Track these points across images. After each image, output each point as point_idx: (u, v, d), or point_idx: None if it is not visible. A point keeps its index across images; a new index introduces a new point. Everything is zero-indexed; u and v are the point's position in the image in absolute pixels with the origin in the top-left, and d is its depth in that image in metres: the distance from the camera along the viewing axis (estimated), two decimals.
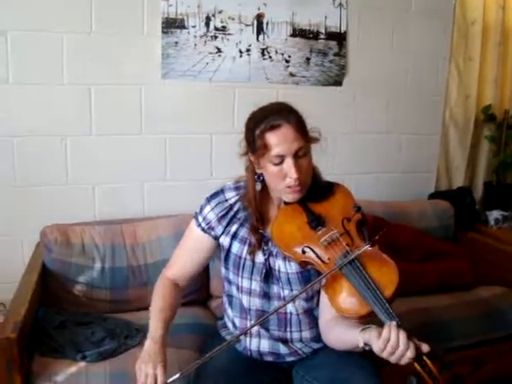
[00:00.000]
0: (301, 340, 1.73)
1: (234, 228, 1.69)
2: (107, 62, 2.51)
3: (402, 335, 1.28)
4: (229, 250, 1.70)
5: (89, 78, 2.49)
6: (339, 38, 2.90)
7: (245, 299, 1.71)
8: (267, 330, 1.72)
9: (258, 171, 1.61)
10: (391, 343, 1.27)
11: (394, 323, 1.32)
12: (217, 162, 2.77)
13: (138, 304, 2.32)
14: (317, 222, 1.57)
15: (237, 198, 1.69)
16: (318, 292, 1.66)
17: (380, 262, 1.45)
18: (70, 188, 2.54)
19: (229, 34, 2.69)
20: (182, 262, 1.77)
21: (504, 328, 2.52)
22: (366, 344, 1.35)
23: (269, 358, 1.75)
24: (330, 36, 2.88)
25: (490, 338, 2.48)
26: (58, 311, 2.16)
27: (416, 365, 1.27)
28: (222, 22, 2.66)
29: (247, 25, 2.71)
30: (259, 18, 2.72)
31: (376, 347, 1.31)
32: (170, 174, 2.71)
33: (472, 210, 3.21)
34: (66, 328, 2.05)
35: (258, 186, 1.62)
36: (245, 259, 1.67)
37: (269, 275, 1.66)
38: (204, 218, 1.71)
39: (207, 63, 2.67)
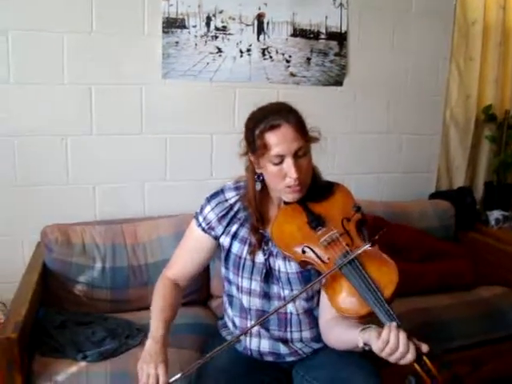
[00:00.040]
0: (301, 340, 1.73)
1: (234, 228, 1.69)
2: (108, 61, 2.51)
3: (402, 336, 1.28)
4: (229, 250, 1.70)
5: (89, 78, 2.49)
6: (340, 38, 2.90)
7: (245, 299, 1.71)
8: (267, 329, 1.72)
9: (258, 171, 1.61)
10: (391, 345, 1.27)
11: (394, 324, 1.31)
12: (217, 162, 2.77)
13: (138, 304, 2.32)
14: (317, 221, 1.57)
15: (237, 197, 1.69)
16: (318, 292, 1.66)
17: (380, 261, 1.45)
18: (70, 188, 2.55)
19: (229, 34, 2.69)
20: (183, 262, 1.77)
21: (504, 328, 2.52)
22: (365, 344, 1.35)
23: (269, 358, 1.75)
24: (331, 36, 2.88)
25: (491, 338, 2.48)
26: (58, 311, 2.16)
27: (415, 364, 1.27)
28: (222, 21, 2.66)
29: (248, 25, 2.71)
30: (260, 17, 2.72)
31: (375, 347, 1.31)
32: (170, 174, 2.71)
33: (472, 210, 3.21)
34: (66, 328, 2.05)
35: (258, 186, 1.62)
36: (245, 259, 1.67)
37: (269, 275, 1.66)
38: (204, 218, 1.71)
39: (208, 63, 2.67)
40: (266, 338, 1.73)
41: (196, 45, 2.64)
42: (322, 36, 2.86)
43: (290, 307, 1.68)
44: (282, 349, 1.73)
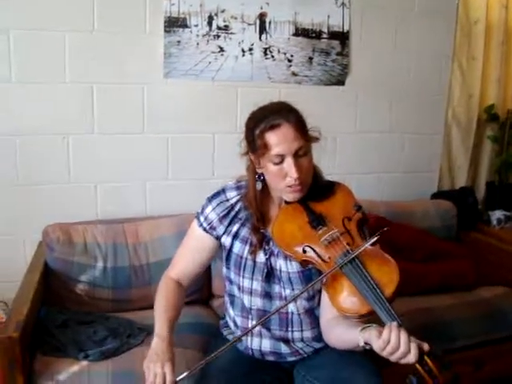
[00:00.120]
0: (302, 340, 1.73)
1: (235, 228, 1.69)
2: (109, 60, 2.51)
3: (403, 336, 1.28)
4: (230, 250, 1.70)
5: (91, 77, 2.49)
6: (342, 37, 2.90)
7: (246, 299, 1.71)
8: (269, 329, 1.72)
9: (259, 171, 1.61)
10: (391, 344, 1.27)
11: (394, 323, 1.31)
12: (219, 162, 2.77)
13: (140, 303, 2.33)
14: (317, 221, 1.57)
15: (238, 197, 1.69)
16: (319, 291, 1.65)
17: (381, 261, 1.45)
18: (72, 187, 2.55)
19: (231, 34, 2.69)
20: (185, 262, 1.77)
21: (506, 328, 2.51)
22: (366, 343, 1.35)
23: (270, 358, 1.75)
24: (333, 35, 2.88)
25: (492, 339, 2.48)
26: (60, 310, 2.16)
27: (416, 364, 1.27)
28: (224, 21, 2.66)
29: (250, 24, 2.71)
30: (262, 17, 2.72)
31: (376, 346, 1.30)
32: (172, 173, 2.71)
33: (474, 210, 3.21)
34: (68, 327, 2.05)
35: (259, 186, 1.62)
36: (246, 259, 1.67)
37: (270, 275, 1.66)
38: (205, 218, 1.71)
39: (209, 62, 2.67)
40: (267, 337, 1.73)
41: (198, 44, 2.64)
42: (324, 35, 2.86)
43: (291, 307, 1.68)
44: (284, 348, 1.73)
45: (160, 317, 1.62)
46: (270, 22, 2.74)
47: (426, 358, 1.27)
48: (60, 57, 2.43)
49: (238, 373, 1.67)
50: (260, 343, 1.74)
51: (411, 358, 1.27)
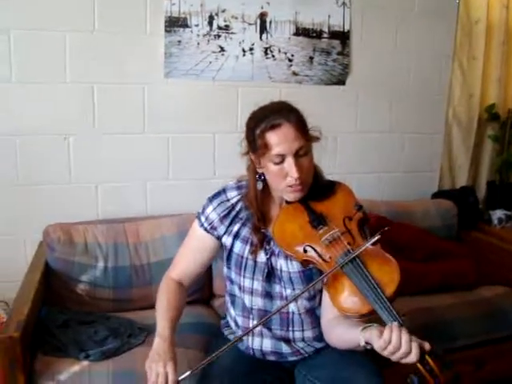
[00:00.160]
0: (303, 339, 1.73)
1: (236, 228, 1.69)
2: (110, 60, 2.51)
3: (405, 336, 1.28)
4: (231, 250, 1.70)
5: (92, 77, 2.49)
6: (342, 37, 2.90)
7: (247, 299, 1.71)
8: (270, 329, 1.72)
9: (259, 171, 1.61)
10: (393, 344, 1.27)
11: (395, 323, 1.31)
12: (220, 162, 2.77)
13: (141, 303, 2.33)
14: (318, 220, 1.57)
15: (239, 197, 1.69)
16: (320, 291, 1.65)
17: (381, 260, 1.45)
18: (72, 187, 2.55)
19: (232, 33, 2.68)
20: (186, 262, 1.77)
21: (506, 328, 2.51)
22: (367, 343, 1.35)
23: (271, 358, 1.75)
24: (334, 35, 2.88)
25: (493, 338, 2.48)
26: (61, 310, 2.16)
27: (417, 364, 1.27)
28: (225, 20, 2.66)
29: (250, 24, 2.71)
30: (262, 16, 2.72)
31: (377, 346, 1.30)
32: (172, 173, 2.71)
33: (475, 210, 3.21)
34: (69, 327, 2.05)
35: (260, 186, 1.62)
36: (247, 259, 1.67)
37: (271, 275, 1.66)
38: (206, 218, 1.71)
39: (210, 62, 2.67)
40: (268, 337, 1.73)
41: (198, 44, 2.64)
42: (325, 35, 2.86)
43: (292, 307, 1.68)
44: (284, 348, 1.73)
45: (162, 317, 1.61)
46: (270, 22, 2.74)
47: (427, 357, 1.27)
48: (60, 57, 2.43)
49: (239, 372, 1.67)
50: (261, 343, 1.74)
51: (412, 357, 1.26)
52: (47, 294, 2.20)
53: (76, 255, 2.28)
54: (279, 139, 1.50)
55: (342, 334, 1.51)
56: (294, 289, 1.65)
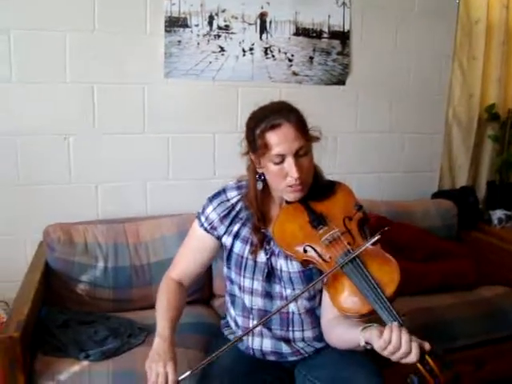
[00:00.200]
0: (303, 339, 1.72)
1: (236, 228, 1.69)
2: (110, 60, 2.51)
3: (405, 336, 1.27)
4: (231, 250, 1.70)
5: (92, 77, 2.49)
6: (342, 37, 2.90)
7: (247, 299, 1.71)
8: (270, 329, 1.72)
9: (259, 171, 1.61)
10: (393, 344, 1.27)
11: (395, 324, 1.31)
12: (220, 161, 2.77)
13: (141, 303, 2.33)
14: (318, 220, 1.57)
15: (238, 197, 1.69)
16: (320, 291, 1.65)
17: (381, 260, 1.45)
18: (72, 187, 2.55)
19: (232, 33, 2.68)
20: (186, 262, 1.77)
21: (506, 328, 2.51)
22: (367, 343, 1.35)
23: (271, 358, 1.75)
24: (334, 35, 2.88)
25: (493, 338, 2.48)
26: (61, 310, 2.16)
27: (417, 364, 1.27)
28: (225, 20, 2.66)
29: (250, 24, 2.71)
30: (262, 16, 2.72)
31: (377, 346, 1.30)
32: (172, 173, 2.71)
33: (475, 210, 3.21)
34: (69, 327, 2.05)
35: (260, 186, 1.62)
36: (247, 259, 1.67)
37: (271, 275, 1.66)
38: (206, 218, 1.71)
39: (210, 62, 2.67)
40: (268, 337, 1.73)
41: (198, 44, 2.64)
42: (325, 35, 2.86)
43: (292, 307, 1.68)
44: (284, 348, 1.73)
45: (162, 317, 1.61)
46: (270, 22, 2.74)
47: (427, 357, 1.27)
48: (60, 57, 2.43)
49: (239, 373, 1.67)
50: (261, 343, 1.74)
51: (412, 357, 1.26)
52: (47, 294, 2.20)
53: (76, 255, 2.28)
54: (279, 139, 1.50)
55: (342, 333, 1.51)
56: (293, 289, 1.65)
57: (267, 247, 1.65)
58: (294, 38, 2.80)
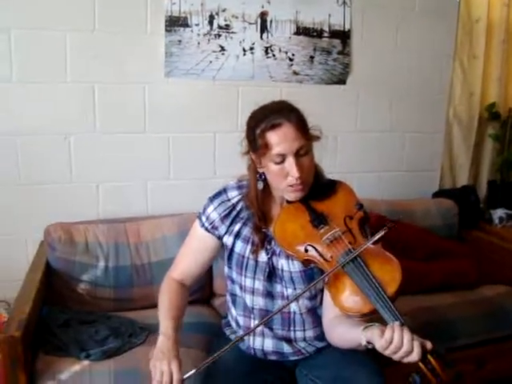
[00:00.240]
0: (304, 339, 1.72)
1: (236, 227, 1.69)
2: (111, 60, 2.51)
3: (406, 335, 1.28)
4: (232, 250, 1.70)
5: (92, 76, 2.49)
6: (343, 36, 2.90)
7: (248, 298, 1.71)
8: (271, 329, 1.72)
9: (260, 170, 1.61)
10: (394, 343, 1.27)
11: (397, 323, 1.31)
12: (220, 161, 2.77)
13: (142, 302, 2.33)
14: (319, 220, 1.57)
15: (239, 197, 1.69)
16: (322, 291, 1.65)
17: (383, 259, 1.45)
18: (73, 186, 2.55)
19: (232, 33, 2.68)
20: (187, 262, 1.77)
21: (508, 327, 2.51)
22: (368, 342, 1.35)
23: (272, 357, 1.75)
24: (334, 34, 2.88)
25: (494, 337, 2.47)
26: (62, 309, 2.16)
27: (419, 363, 1.27)
28: (225, 20, 2.66)
29: (251, 23, 2.71)
30: (263, 16, 2.72)
31: (378, 345, 1.30)
32: (173, 173, 2.71)
33: (476, 209, 3.21)
34: (70, 326, 2.05)
35: (260, 185, 1.62)
36: (248, 258, 1.67)
37: (272, 274, 1.66)
38: (207, 218, 1.71)
39: (211, 61, 2.67)
40: (269, 337, 1.73)
41: (199, 43, 2.63)
42: (326, 34, 2.86)
43: (294, 306, 1.68)
44: (286, 348, 1.73)
45: (164, 316, 1.61)
46: (271, 21, 2.74)
47: (429, 356, 1.27)
48: (61, 56, 2.43)
49: (240, 372, 1.67)
50: (262, 343, 1.74)
51: (414, 356, 1.26)
52: (48, 294, 2.20)
53: (77, 255, 2.28)
54: (280, 139, 1.50)
55: (344, 333, 1.51)
56: (295, 288, 1.65)
57: (268, 247, 1.65)
58: (294, 37, 2.80)
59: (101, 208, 2.61)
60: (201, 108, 2.70)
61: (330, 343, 1.65)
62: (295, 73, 2.84)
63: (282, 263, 1.65)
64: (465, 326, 2.42)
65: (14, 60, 2.37)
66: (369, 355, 1.57)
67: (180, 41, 2.59)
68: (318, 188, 1.63)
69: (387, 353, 1.29)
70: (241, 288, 1.72)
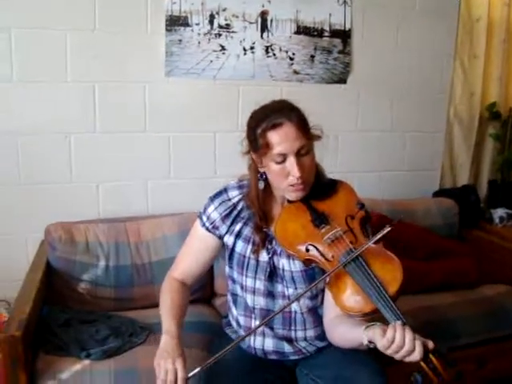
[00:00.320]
0: (305, 339, 1.72)
1: (237, 227, 1.69)
2: (111, 59, 2.51)
3: (408, 335, 1.28)
4: (233, 249, 1.70)
5: (93, 76, 2.49)
6: (344, 35, 2.90)
7: (249, 298, 1.71)
8: (272, 328, 1.72)
9: (261, 170, 1.61)
10: (396, 343, 1.27)
11: (399, 322, 1.31)
12: (221, 160, 2.77)
13: (142, 302, 2.33)
14: (320, 219, 1.57)
15: (240, 196, 1.69)
16: (323, 290, 1.65)
17: (384, 259, 1.45)
18: (73, 186, 2.55)
19: (233, 32, 2.68)
20: (188, 262, 1.76)
21: (508, 326, 2.51)
22: (370, 342, 1.35)
23: (273, 357, 1.75)
24: (335, 33, 2.87)
25: (495, 337, 2.47)
26: (62, 309, 2.16)
27: (421, 362, 1.27)
28: (225, 19, 2.66)
29: (251, 22, 2.70)
30: (263, 15, 2.72)
31: (380, 345, 1.30)
32: (173, 172, 2.71)
33: (476, 208, 3.21)
34: (70, 326, 2.05)
35: (261, 185, 1.62)
36: (249, 258, 1.67)
37: (273, 274, 1.66)
38: (208, 218, 1.71)
39: (211, 61, 2.67)
40: (270, 336, 1.73)
41: (199, 43, 2.63)
42: (326, 33, 2.86)
43: (295, 306, 1.68)
44: (286, 347, 1.73)
45: (167, 315, 1.61)
46: (271, 21, 2.73)
47: (430, 355, 1.27)
48: (61, 56, 2.43)
49: (240, 371, 1.67)
50: (263, 342, 1.74)
51: (416, 356, 1.26)
52: (49, 293, 2.20)
53: (77, 254, 2.28)
54: (281, 138, 1.49)
55: (345, 332, 1.51)
56: (296, 288, 1.64)
57: (269, 246, 1.65)
58: (295, 36, 2.80)
59: (101, 207, 2.61)
60: (201, 107, 2.70)
61: (331, 343, 1.65)
62: (296, 72, 2.84)
63: (283, 263, 1.64)
64: (465, 326, 2.42)
65: (14, 60, 2.37)
66: (370, 355, 1.57)
67: (180, 40, 2.59)
68: (319, 187, 1.63)
69: (389, 352, 1.29)
70: (242, 288, 1.72)
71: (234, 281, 1.75)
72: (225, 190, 1.72)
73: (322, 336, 1.71)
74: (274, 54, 2.77)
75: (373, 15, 2.95)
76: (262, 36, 2.73)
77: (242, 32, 2.70)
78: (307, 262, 1.55)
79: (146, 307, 2.29)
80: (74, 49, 2.44)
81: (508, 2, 3.21)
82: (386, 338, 1.28)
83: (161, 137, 2.66)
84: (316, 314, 1.70)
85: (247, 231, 1.67)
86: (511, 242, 2.89)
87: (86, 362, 1.87)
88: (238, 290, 1.74)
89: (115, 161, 2.60)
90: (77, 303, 2.26)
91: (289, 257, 1.62)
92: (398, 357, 1.28)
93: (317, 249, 1.52)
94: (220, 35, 2.66)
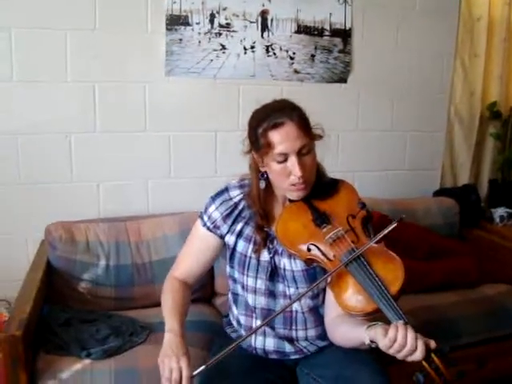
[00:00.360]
0: (306, 338, 1.72)
1: (239, 227, 1.68)
2: (111, 59, 2.51)
3: (410, 334, 1.27)
4: (234, 249, 1.70)
5: (93, 76, 2.49)
6: (344, 34, 2.89)
7: (250, 297, 1.71)
8: (272, 328, 1.71)
9: (262, 169, 1.60)
10: (398, 342, 1.27)
11: (400, 322, 1.31)
12: (221, 160, 2.77)
13: (143, 301, 2.33)
14: (321, 219, 1.57)
15: (241, 196, 1.69)
16: (324, 290, 1.65)
17: (386, 258, 1.45)
18: (74, 185, 2.54)
19: (233, 31, 2.68)
20: (189, 261, 1.76)
21: (509, 326, 2.51)
22: (372, 341, 1.35)
23: (274, 356, 1.75)
24: (335, 33, 2.87)
25: (495, 336, 2.47)
26: (62, 309, 2.16)
27: (423, 362, 1.27)
28: (226, 18, 2.65)
29: (252, 22, 2.70)
30: (264, 14, 2.72)
31: (382, 344, 1.30)
32: (174, 172, 2.71)
33: (477, 208, 3.21)
34: (70, 325, 2.05)
35: (262, 184, 1.62)
36: (250, 258, 1.66)
37: (274, 273, 1.66)
38: (209, 217, 1.70)
39: (211, 60, 2.67)
40: (271, 336, 1.72)
41: (199, 42, 2.63)
42: (326, 33, 2.85)
43: (296, 305, 1.67)
44: (287, 347, 1.73)
45: (170, 314, 1.60)
46: (271, 20, 2.73)
47: (432, 355, 1.27)
48: (61, 55, 2.43)
49: (241, 371, 1.66)
50: (264, 342, 1.73)
51: (418, 355, 1.26)
52: (49, 293, 2.20)
53: (78, 254, 2.28)
54: (282, 138, 1.49)
55: (347, 332, 1.51)
56: (297, 288, 1.64)
57: (270, 246, 1.65)
58: (295, 35, 2.79)
59: (101, 207, 2.61)
60: (202, 107, 2.70)
61: (333, 342, 1.65)
62: (296, 71, 2.84)
63: (284, 262, 1.64)
64: (466, 325, 2.42)
65: (14, 59, 2.36)
66: (371, 354, 1.57)
67: (181, 39, 2.59)
68: (320, 187, 1.63)
69: (391, 352, 1.28)
70: (243, 287, 1.72)
71: (235, 280, 1.75)
72: (226, 190, 1.72)
73: (322, 335, 1.70)
74: (275, 54, 2.77)
75: (373, 15, 2.95)
76: (262, 35, 2.73)
77: (243, 31, 2.69)
78: (309, 262, 1.55)
79: (146, 307, 2.29)
80: (74, 49, 2.44)
81: (508, 1, 3.21)
82: (387, 337, 1.28)
83: (161, 136, 2.66)
84: (317, 313, 1.70)
85: (248, 231, 1.67)
86: (511, 242, 2.89)
87: (87, 361, 1.87)
88: (239, 290, 1.74)
89: (115, 160, 2.59)
90: (77, 303, 2.25)
91: (290, 256, 1.62)
92: (399, 356, 1.28)
93: (318, 248, 1.52)
94: (220, 34, 2.66)
